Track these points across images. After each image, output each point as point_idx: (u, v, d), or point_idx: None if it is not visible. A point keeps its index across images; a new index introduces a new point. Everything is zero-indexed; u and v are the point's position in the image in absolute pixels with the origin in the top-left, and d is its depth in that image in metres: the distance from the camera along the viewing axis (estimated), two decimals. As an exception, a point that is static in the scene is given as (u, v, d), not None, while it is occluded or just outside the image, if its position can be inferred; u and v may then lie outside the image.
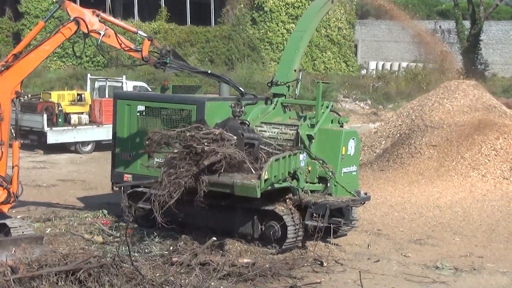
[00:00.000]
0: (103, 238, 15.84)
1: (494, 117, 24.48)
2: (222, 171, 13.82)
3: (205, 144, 13.88)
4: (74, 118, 29.79)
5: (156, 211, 13.77)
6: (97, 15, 14.48)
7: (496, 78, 62.98)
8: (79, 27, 14.30)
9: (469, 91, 26.07)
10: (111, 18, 15.43)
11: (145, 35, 14.81)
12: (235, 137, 14.42)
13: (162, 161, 14.62)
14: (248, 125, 15.14)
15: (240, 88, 15.41)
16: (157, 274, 12.54)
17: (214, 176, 13.92)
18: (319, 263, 14.48)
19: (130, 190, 17.00)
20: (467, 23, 64.32)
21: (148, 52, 14.64)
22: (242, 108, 15.10)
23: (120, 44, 14.62)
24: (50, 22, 49.08)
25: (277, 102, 16.76)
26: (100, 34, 14.42)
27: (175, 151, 14.13)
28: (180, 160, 13.95)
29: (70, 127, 29.51)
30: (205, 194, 14.65)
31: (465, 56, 59.67)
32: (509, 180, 22.19)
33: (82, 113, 30.32)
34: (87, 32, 14.38)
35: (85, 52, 49.73)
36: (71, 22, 14.31)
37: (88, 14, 14.42)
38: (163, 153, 14.73)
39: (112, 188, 18.29)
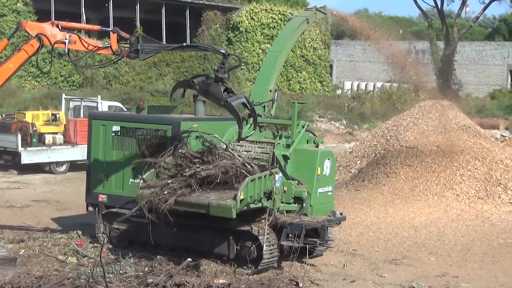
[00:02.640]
0: (77, 259, 15.70)
1: (468, 137, 24.63)
2: (218, 181, 13.93)
3: (197, 165, 14.03)
4: (48, 138, 29.64)
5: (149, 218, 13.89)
6: (57, 25, 14.25)
7: (470, 98, 63.52)
8: (42, 43, 14.14)
9: (443, 111, 26.23)
10: (71, 24, 15.09)
11: (109, 29, 14.54)
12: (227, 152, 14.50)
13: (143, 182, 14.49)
14: (231, 90, 14.43)
15: (221, 51, 14.90)
16: (132, 296, 12.46)
17: (190, 197, 13.91)
18: (295, 283, 14.41)
19: (105, 211, 16.94)
20: (441, 44, 64.87)
21: (118, 45, 14.35)
22: (225, 73, 14.46)
23: (87, 47, 14.39)
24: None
25: (253, 121, 16.72)
26: (64, 43, 14.24)
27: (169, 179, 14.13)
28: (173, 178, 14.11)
29: (44, 147, 29.35)
30: (180, 215, 14.66)
31: (439, 77, 60.17)
32: (483, 200, 22.32)
33: (56, 133, 30.18)
34: (51, 45, 14.18)
35: (60, 72, 49.69)
36: (33, 39, 14.14)
37: (47, 28, 14.25)
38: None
39: (87, 208, 18.19)
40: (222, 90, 14.08)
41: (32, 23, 14.57)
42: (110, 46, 14.35)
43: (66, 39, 14.22)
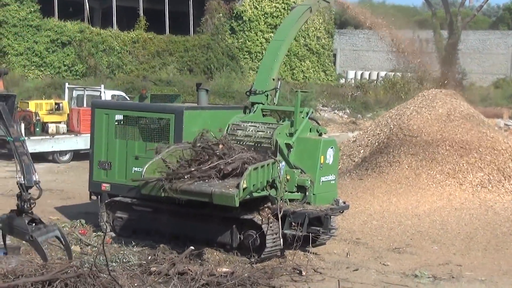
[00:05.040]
0: (80, 248, 15.74)
1: (472, 126, 24.57)
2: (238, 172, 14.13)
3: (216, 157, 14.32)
4: (52, 127, 29.65)
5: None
6: None
7: (474, 87, 63.32)
8: None
9: (447, 100, 26.15)
10: None
11: None
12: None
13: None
14: (39, 221, 12.84)
15: (25, 177, 12.91)
16: (135, 284, 12.45)
17: (193, 185, 13.95)
18: (298, 272, 14.45)
19: (108, 200, 16.97)
20: (445, 33, 64.69)
21: None
22: (31, 202, 12.77)
23: None
24: (28, 31, 48.67)
25: (257, 108, 16.77)
26: None
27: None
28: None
29: (48, 137, 29.36)
30: (184, 203, 14.70)
31: (443, 66, 60.01)
32: (486, 189, 22.28)
33: (60, 122, 30.19)
34: None
35: (63, 61, 49.68)
36: None
37: None
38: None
39: (90, 197, 18.20)
40: (27, 221, 12.63)
41: None
42: None
43: None
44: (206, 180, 14.11)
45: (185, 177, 14.07)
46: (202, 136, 15.00)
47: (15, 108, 13.26)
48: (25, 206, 12.64)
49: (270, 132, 15.69)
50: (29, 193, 12.43)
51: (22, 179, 12.61)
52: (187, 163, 14.55)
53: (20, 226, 12.50)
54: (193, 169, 14.17)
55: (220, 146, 14.70)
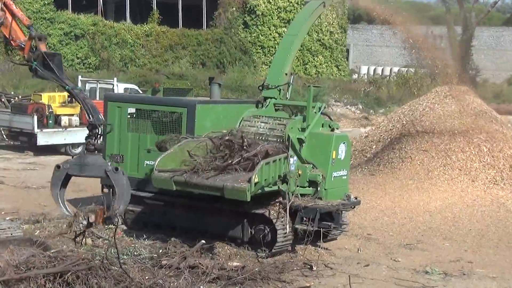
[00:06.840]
0: (92, 241, 15.76)
1: (484, 123, 24.50)
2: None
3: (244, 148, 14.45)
4: (64, 120, 29.72)
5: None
6: (3, 3, 13.25)
7: (487, 83, 63.12)
8: None
9: (460, 96, 26.08)
10: (13, 7, 13.73)
11: (33, 33, 13.38)
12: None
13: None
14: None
15: (93, 116, 13.41)
16: (146, 277, 12.48)
17: (205, 179, 13.95)
18: (309, 267, 14.46)
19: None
20: (458, 29, 64.47)
21: (30, 52, 13.22)
22: (97, 138, 13.44)
23: (10, 37, 13.35)
24: (42, 24, 48.71)
25: (269, 102, 16.77)
26: None
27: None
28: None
29: (60, 129, 29.45)
30: (195, 197, 14.71)
31: (457, 62, 59.82)
32: (499, 186, 22.22)
33: (72, 115, 30.25)
34: None
35: (76, 54, 49.78)
36: None
37: None
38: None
39: (102, 190, 18.22)
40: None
41: None
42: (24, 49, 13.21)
43: (1, 19, 13.22)
44: (230, 173, 14.14)
45: (209, 167, 14.12)
46: (231, 132, 15.00)
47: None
48: (97, 142, 13.29)
49: (283, 124, 15.70)
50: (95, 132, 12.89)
51: (91, 119, 13.52)
52: (212, 156, 14.57)
53: (96, 162, 13.37)
54: (230, 161, 14.22)
55: (245, 139, 14.71)
